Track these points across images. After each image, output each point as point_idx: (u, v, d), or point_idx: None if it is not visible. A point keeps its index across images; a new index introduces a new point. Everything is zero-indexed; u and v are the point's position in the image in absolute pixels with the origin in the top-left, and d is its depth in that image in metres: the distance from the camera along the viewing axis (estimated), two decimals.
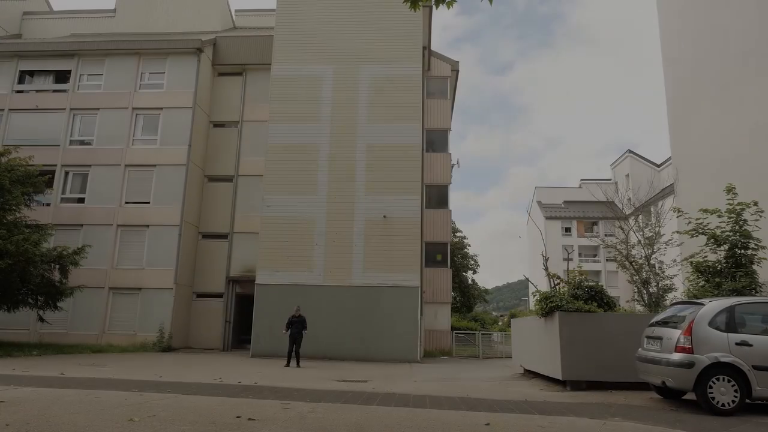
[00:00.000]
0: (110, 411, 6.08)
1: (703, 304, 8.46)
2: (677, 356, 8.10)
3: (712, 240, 12.26)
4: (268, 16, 33.18)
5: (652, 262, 14.98)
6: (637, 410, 8.03)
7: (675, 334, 8.32)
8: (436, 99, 28.45)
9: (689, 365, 7.90)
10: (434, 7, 6.52)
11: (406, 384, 11.69)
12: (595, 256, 57.32)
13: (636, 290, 14.88)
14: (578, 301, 11.18)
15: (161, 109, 25.85)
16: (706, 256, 12.47)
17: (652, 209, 17.27)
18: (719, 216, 12.29)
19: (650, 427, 6.64)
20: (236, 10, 33.63)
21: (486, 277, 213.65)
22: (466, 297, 41.40)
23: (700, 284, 12.31)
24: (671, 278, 15.11)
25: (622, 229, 15.58)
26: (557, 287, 12.80)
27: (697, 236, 12.51)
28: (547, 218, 58.99)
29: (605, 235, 57.14)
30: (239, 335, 25.70)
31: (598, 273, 56.60)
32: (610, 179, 64.37)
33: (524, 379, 13.79)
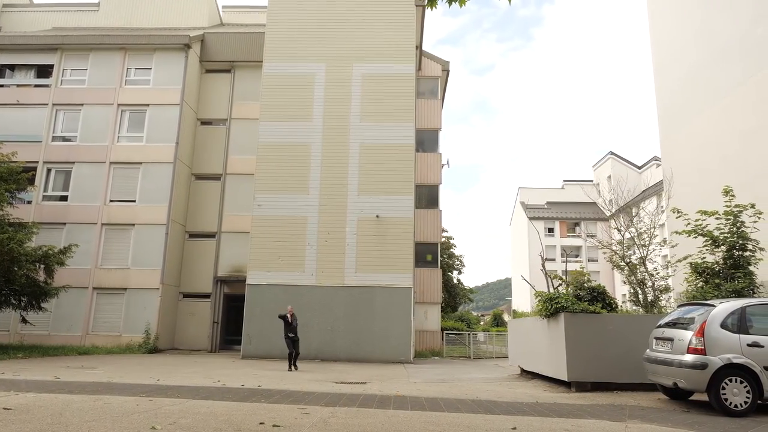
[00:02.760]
0: (127, 418, 5.85)
1: (713, 306, 8.51)
2: (690, 357, 8.13)
3: (710, 241, 12.39)
4: (256, 12, 32.85)
5: (647, 262, 15.09)
6: (650, 412, 8.04)
7: (687, 336, 8.35)
8: (426, 99, 28.42)
9: (702, 367, 7.93)
10: (447, 5, 6.50)
11: (406, 386, 11.58)
12: (577, 256, 57.98)
13: (632, 291, 14.98)
14: (582, 302, 11.20)
15: (148, 105, 25.33)
16: (704, 257, 12.61)
17: (634, 210, 17.39)
18: (717, 218, 12.44)
19: (671, 429, 6.64)
20: (224, 7, 33.13)
21: (465, 278, 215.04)
22: (451, 297, 41.49)
23: (699, 285, 12.44)
24: (666, 279, 15.27)
25: (618, 230, 15.66)
26: (559, 288, 12.83)
27: (695, 237, 12.63)
28: (531, 219, 59.45)
29: (587, 236, 57.92)
30: (226, 336, 25.34)
31: (571, 273, 57.38)
32: (591, 180, 65.24)
33: (524, 379, 13.79)
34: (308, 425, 5.84)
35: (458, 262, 44.00)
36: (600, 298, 11.62)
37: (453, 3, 6.49)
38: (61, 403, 6.71)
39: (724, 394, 7.85)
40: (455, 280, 43.98)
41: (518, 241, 64.97)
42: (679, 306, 9.85)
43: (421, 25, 24.76)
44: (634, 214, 16.08)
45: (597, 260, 56.86)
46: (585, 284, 12.09)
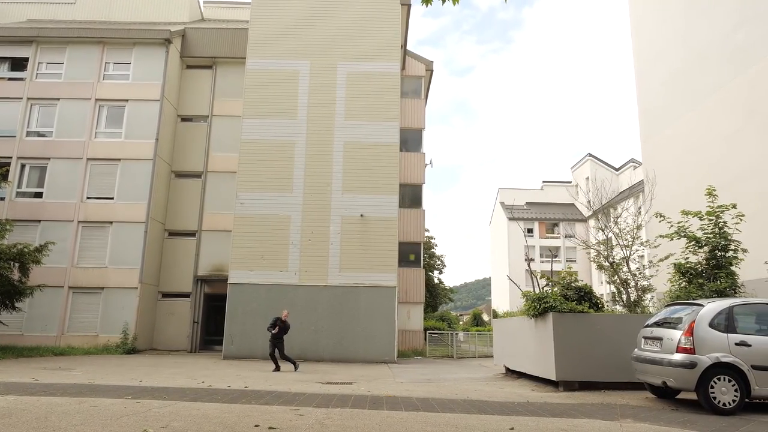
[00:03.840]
0: (116, 421, 5.65)
1: (701, 305, 8.61)
2: (679, 357, 8.21)
3: (693, 242, 12.56)
4: (237, 8, 32.45)
5: (629, 262, 15.25)
6: (640, 411, 8.10)
7: (676, 335, 8.44)
8: (410, 98, 28.39)
9: (691, 365, 8.01)
10: (441, 2, 6.48)
11: (393, 386, 11.51)
12: (556, 256, 58.59)
13: (616, 291, 15.13)
14: (570, 301, 11.25)
15: (126, 101, 24.81)
16: (687, 258, 12.78)
17: (619, 210, 17.60)
18: (700, 218, 12.62)
19: (664, 428, 6.67)
20: (204, 2, 32.63)
21: (444, 278, 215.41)
22: (432, 297, 41.54)
23: (682, 285, 12.60)
24: (648, 279, 15.46)
25: (602, 229, 15.80)
26: (545, 288, 12.88)
27: (679, 238, 12.80)
28: (510, 219, 59.91)
29: (568, 236, 58.58)
30: (206, 336, 24.96)
31: (558, 274, 57.95)
32: (570, 182, 66.04)
33: (509, 379, 13.82)
34: (304, 427, 5.71)
35: (439, 262, 44.11)
36: (587, 297, 11.70)
37: (446, 1, 6.45)
38: (44, 406, 6.46)
39: (713, 392, 7.94)
40: (436, 280, 44.06)
41: (498, 241, 65.43)
42: (666, 306, 9.95)
43: (406, 24, 24.72)
44: (618, 214, 16.22)
45: (575, 260, 57.61)
46: (572, 284, 12.14)
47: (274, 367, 15.20)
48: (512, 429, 6.05)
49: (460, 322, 59.16)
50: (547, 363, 11.10)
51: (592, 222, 58.80)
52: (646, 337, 9.26)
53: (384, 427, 5.91)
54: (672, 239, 13.12)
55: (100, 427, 5.33)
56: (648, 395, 9.75)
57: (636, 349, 9.53)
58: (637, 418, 7.31)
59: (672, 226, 12.78)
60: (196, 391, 8.85)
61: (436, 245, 43.24)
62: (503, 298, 60.94)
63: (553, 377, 10.77)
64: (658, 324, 9.23)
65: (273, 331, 15.06)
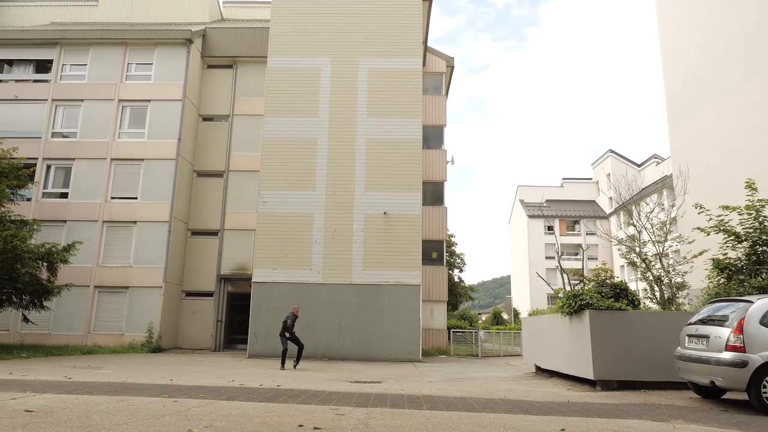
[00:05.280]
0: (158, 420, 5.55)
1: (751, 302, 8.27)
2: (728, 355, 7.90)
3: (732, 237, 12.19)
4: (256, 8, 32.48)
5: (662, 258, 14.88)
6: (688, 411, 7.81)
7: (724, 333, 8.12)
8: (431, 95, 28.14)
9: (742, 365, 7.70)
10: None
11: (423, 385, 11.33)
12: (576, 254, 57.88)
13: (648, 288, 14.76)
14: (606, 299, 10.96)
15: (149, 101, 24.96)
16: (726, 253, 12.41)
17: (650, 205, 17.20)
18: (739, 213, 12.24)
19: (719, 429, 6.40)
20: (224, 2, 32.72)
21: (463, 276, 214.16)
22: (453, 295, 41.23)
23: (721, 282, 12.24)
24: (683, 275, 15.06)
25: (633, 225, 15.44)
26: (576, 285, 12.60)
27: (717, 233, 12.43)
28: (530, 217, 59.33)
29: (588, 233, 57.78)
30: (229, 335, 25.01)
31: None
32: (590, 178, 65.23)
33: (541, 378, 13.56)
34: (348, 427, 5.56)
35: (459, 261, 43.78)
36: (624, 294, 11.39)
37: None
38: (83, 405, 6.39)
39: (765, 392, 7.62)
40: (456, 279, 43.74)
41: (518, 239, 64.84)
42: (710, 302, 9.61)
43: (427, 20, 24.49)
44: (651, 209, 15.83)
45: (596, 258, 56.80)
46: (607, 281, 11.84)
47: (294, 363, 15.15)
48: (563, 430, 5.83)
49: (480, 321, 58.75)
50: (583, 362, 10.82)
51: (614, 219, 57.95)
52: (690, 335, 8.95)
53: (430, 427, 5.73)
54: (709, 234, 12.76)
55: (143, 426, 5.23)
56: (692, 395, 9.44)
57: (679, 348, 9.21)
58: (688, 419, 7.03)
59: (711, 219, 12.41)
60: (230, 389, 8.75)
61: (456, 243, 42.93)
62: (523, 297, 60.40)
63: (590, 376, 10.49)
64: (703, 321, 8.91)
65: (287, 334, 15.05)
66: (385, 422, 5.94)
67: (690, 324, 9.17)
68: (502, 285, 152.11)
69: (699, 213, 12.66)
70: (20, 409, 6.00)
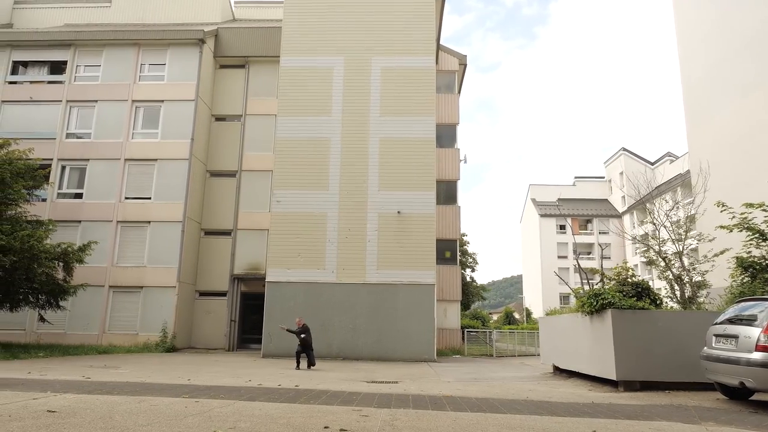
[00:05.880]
0: (182, 421, 5.47)
1: None
2: (759, 356, 7.69)
3: (757, 234, 11.95)
4: (268, 8, 32.49)
5: (683, 257, 14.62)
6: (717, 413, 7.62)
7: (754, 333, 7.92)
8: (443, 93, 27.97)
9: None
10: None
11: (441, 385, 11.20)
12: (589, 253, 57.40)
13: (669, 287, 14.51)
14: (628, 298, 10.76)
15: (162, 101, 25.02)
16: (749, 251, 12.17)
17: (670, 202, 16.92)
18: (764, 210, 12.00)
19: None
20: (235, 2, 32.77)
21: (474, 276, 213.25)
22: (465, 295, 41.03)
23: (745, 280, 12.00)
24: (703, 274, 14.79)
25: (653, 223, 15.19)
26: (596, 284, 12.40)
27: (740, 231, 12.19)
28: (542, 216, 58.91)
29: (601, 232, 57.24)
30: (242, 335, 25.02)
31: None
32: (603, 177, 64.68)
33: (560, 378, 13.38)
34: (375, 429, 5.45)
35: (471, 260, 43.58)
36: (646, 293, 11.18)
37: None
38: (105, 405, 6.33)
39: None
40: (468, 278, 43.54)
41: (529, 238, 64.43)
42: (737, 301, 9.40)
43: (439, 18, 24.32)
44: (671, 206, 15.57)
45: (609, 257, 56.30)
46: (628, 279, 11.63)
47: (307, 364, 15.11)
48: None
49: (491, 321, 58.48)
50: (605, 362, 10.63)
51: (627, 217, 57.43)
52: (717, 335, 8.75)
53: (457, 429, 5.61)
54: (731, 231, 12.52)
55: (167, 427, 5.15)
56: (718, 396, 9.23)
57: (706, 348, 9.01)
58: (719, 421, 6.85)
59: (734, 217, 12.17)
60: (249, 390, 8.68)
61: (468, 243, 42.73)
62: (535, 296, 60.01)
63: (612, 377, 10.30)
64: (731, 321, 8.70)
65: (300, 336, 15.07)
66: (411, 423, 5.83)
67: (717, 323, 8.97)
68: (512, 285, 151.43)
69: (722, 211, 12.42)
70: (42, 410, 5.95)
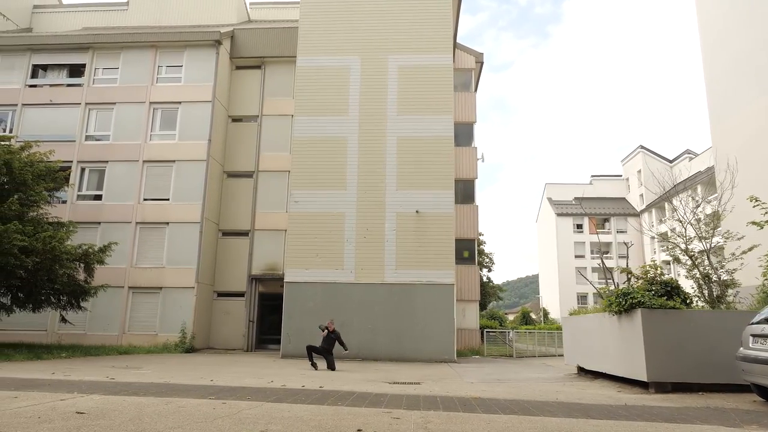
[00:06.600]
0: (212, 423, 5.37)
1: None
2: None
3: None
4: (284, 8, 32.53)
5: (710, 255, 14.24)
6: (759, 416, 7.35)
7: None
8: (460, 91, 27.76)
9: None
10: None
11: (465, 386, 11.02)
12: (606, 252, 56.72)
13: (697, 286, 14.15)
14: (658, 297, 10.49)
15: (179, 103, 25.13)
16: None
17: (696, 200, 16.54)
18: None
19: None
20: (251, 3, 32.84)
21: (491, 276, 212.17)
22: (482, 295, 40.74)
23: None
24: (732, 272, 14.41)
25: (680, 221, 14.84)
26: (622, 283, 12.14)
27: None
28: (558, 215, 58.34)
29: (618, 231, 56.52)
30: (261, 335, 25.02)
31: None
32: (620, 175, 63.90)
33: (585, 379, 13.13)
34: None
35: (488, 260, 43.26)
36: (676, 292, 10.90)
37: None
38: (133, 407, 6.27)
39: None
40: (485, 278, 43.23)
41: (546, 237, 63.86)
42: None
43: (456, 15, 24.13)
44: (697, 202, 15.22)
45: (626, 256, 55.42)
46: (657, 278, 11.36)
47: (327, 364, 15.01)
48: None
49: (508, 321, 58.05)
50: (634, 363, 10.38)
51: (646, 216, 56.63)
52: (755, 335, 8.46)
53: None
54: (762, 227, 12.17)
55: (198, 430, 5.06)
56: (755, 398, 8.94)
57: (742, 348, 8.73)
58: (762, 424, 6.59)
59: (767, 213, 11.84)
60: (274, 391, 8.58)
61: (484, 242, 42.42)
62: (552, 296, 59.44)
63: (643, 378, 10.05)
64: None
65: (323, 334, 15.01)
66: (445, 426, 5.67)
67: (754, 323, 8.69)
68: (528, 285, 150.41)
69: (755, 206, 12.09)
70: (71, 411, 5.89)
